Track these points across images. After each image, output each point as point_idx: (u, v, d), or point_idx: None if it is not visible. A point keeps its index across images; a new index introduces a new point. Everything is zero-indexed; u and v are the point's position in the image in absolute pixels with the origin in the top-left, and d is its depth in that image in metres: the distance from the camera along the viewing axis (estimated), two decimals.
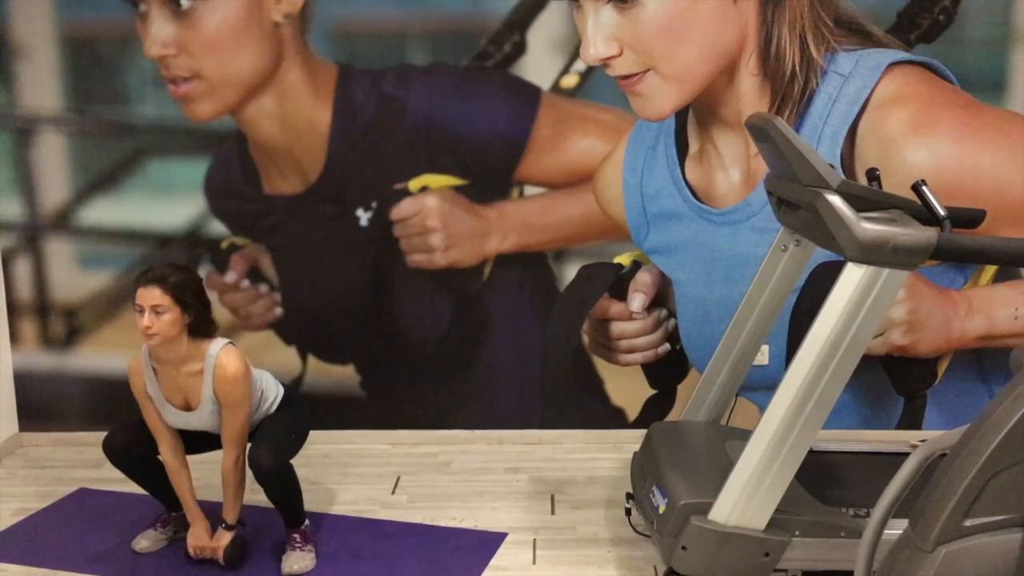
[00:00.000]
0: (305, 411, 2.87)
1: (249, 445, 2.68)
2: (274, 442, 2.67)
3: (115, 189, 3.60)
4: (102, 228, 3.62)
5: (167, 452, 2.72)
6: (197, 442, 2.79)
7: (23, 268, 3.66)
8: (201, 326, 2.58)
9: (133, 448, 2.75)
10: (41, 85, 3.53)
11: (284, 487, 2.70)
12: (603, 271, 3.55)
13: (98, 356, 3.68)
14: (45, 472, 3.48)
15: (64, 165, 3.60)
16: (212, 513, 3.05)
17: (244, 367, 2.60)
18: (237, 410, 2.61)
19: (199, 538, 2.73)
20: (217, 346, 2.60)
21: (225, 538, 2.71)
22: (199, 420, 2.66)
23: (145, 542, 2.86)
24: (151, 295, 2.49)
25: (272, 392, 2.78)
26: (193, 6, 3.35)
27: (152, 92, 3.53)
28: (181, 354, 2.57)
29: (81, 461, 3.56)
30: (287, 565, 2.72)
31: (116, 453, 2.75)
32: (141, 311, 2.50)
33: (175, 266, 2.57)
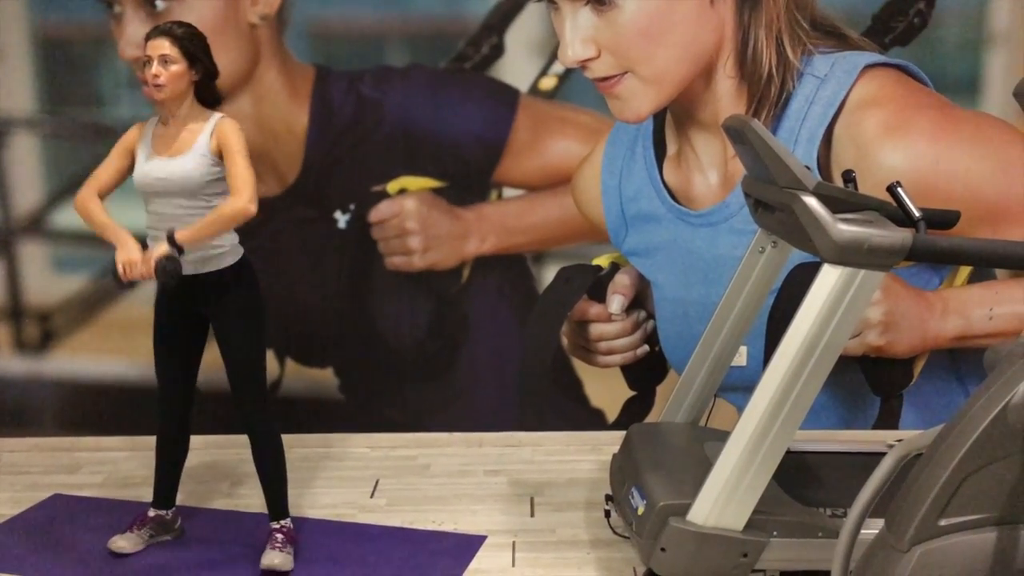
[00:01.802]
0: (257, 289, 2.73)
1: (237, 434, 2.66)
2: (255, 391, 2.70)
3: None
4: (77, 231, 3.58)
5: (89, 192, 2.63)
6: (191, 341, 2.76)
7: None
8: (207, 88, 2.62)
9: (174, 420, 2.78)
10: (15, 87, 3.50)
11: (270, 439, 2.74)
12: (582, 273, 3.55)
13: (73, 361, 3.65)
14: (19, 478, 3.45)
15: (38, 167, 3.57)
16: (191, 519, 3.03)
17: (240, 127, 2.60)
18: (239, 155, 2.55)
19: (129, 252, 2.54)
20: (219, 114, 2.62)
21: (160, 249, 2.51)
22: (181, 165, 2.57)
23: (122, 542, 2.83)
24: (160, 45, 2.52)
25: (229, 237, 2.69)
26: (168, 7, 3.32)
27: (127, 94, 3.50)
28: (185, 114, 2.59)
29: (56, 466, 3.52)
30: (266, 560, 2.71)
31: (163, 424, 2.79)
32: (149, 62, 2.52)
33: (184, 23, 2.60)
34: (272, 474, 2.78)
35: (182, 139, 2.59)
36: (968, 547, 1.61)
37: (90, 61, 3.49)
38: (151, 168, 2.60)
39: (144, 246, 2.63)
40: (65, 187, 3.57)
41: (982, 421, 1.58)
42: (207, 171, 2.58)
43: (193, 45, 2.56)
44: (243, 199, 2.54)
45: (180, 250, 2.52)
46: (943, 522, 1.61)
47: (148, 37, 2.56)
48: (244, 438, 2.76)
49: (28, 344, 3.66)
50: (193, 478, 3.33)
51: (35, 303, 3.64)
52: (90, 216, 2.64)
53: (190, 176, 2.57)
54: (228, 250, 2.67)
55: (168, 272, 2.49)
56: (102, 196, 2.67)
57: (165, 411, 2.81)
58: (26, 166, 3.56)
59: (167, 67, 2.52)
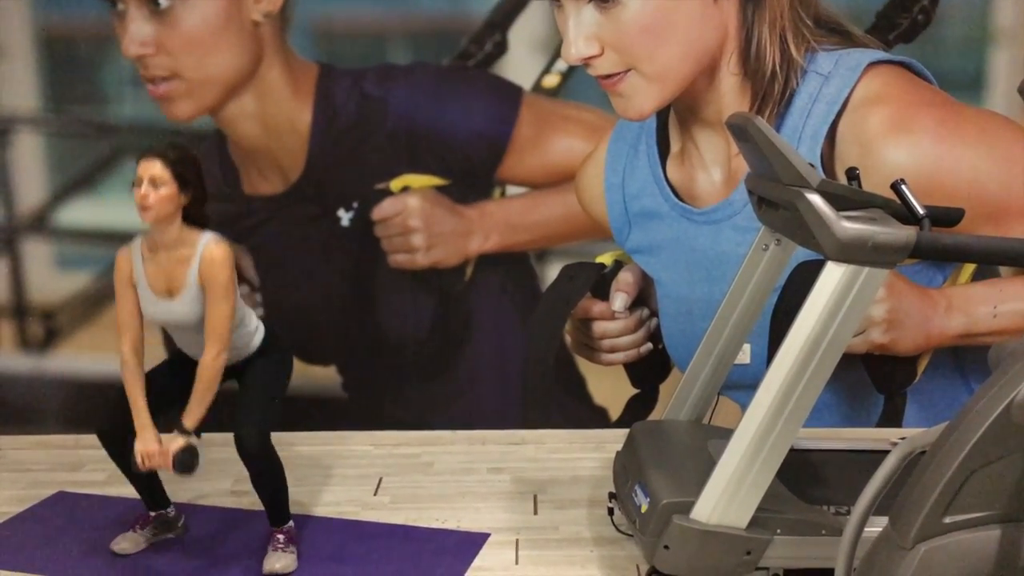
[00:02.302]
0: (287, 351, 2.83)
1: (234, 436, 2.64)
2: (258, 420, 2.66)
3: (93, 190, 3.58)
4: (80, 229, 3.59)
5: (128, 349, 2.65)
6: (182, 393, 2.74)
7: (0, 269, 3.63)
8: (195, 212, 2.60)
9: (121, 429, 2.70)
10: (18, 85, 3.50)
11: (269, 469, 2.69)
12: (585, 271, 3.55)
13: (76, 358, 3.65)
14: (23, 475, 3.45)
15: (42, 165, 3.57)
16: (194, 518, 3.03)
17: (231, 258, 2.59)
18: (221, 299, 2.57)
19: (148, 443, 2.59)
20: (208, 236, 2.61)
21: (177, 443, 2.57)
22: (180, 308, 2.61)
23: (125, 543, 2.83)
24: (151, 167, 2.51)
25: (252, 321, 2.76)
26: (172, 5, 3.32)
27: (130, 92, 3.50)
28: (173, 237, 2.57)
29: (59, 464, 3.53)
30: (268, 564, 2.70)
31: (106, 430, 2.72)
32: (139, 183, 2.51)
33: (178, 145, 2.59)
34: (271, 493, 2.75)
35: (174, 276, 2.60)
36: (972, 545, 1.60)
37: (93, 59, 3.49)
38: (155, 310, 2.64)
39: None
40: (69, 185, 3.58)
41: (986, 418, 1.58)
42: (203, 309, 2.61)
43: (185, 169, 2.53)
44: (211, 353, 2.59)
45: (195, 432, 2.61)
46: (947, 520, 1.61)
47: (141, 157, 2.54)
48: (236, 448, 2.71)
49: (32, 342, 3.67)
50: (196, 476, 3.32)
51: (39, 301, 3.65)
52: (128, 389, 2.66)
53: (191, 317, 2.62)
54: (254, 338, 2.75)
55: (185, 464, 2.58)
56: (138, 342, 2.66)
57: (117, 413, 2.71)
58: (30, 164, 3.57)
59: (157, 189, 2.49)
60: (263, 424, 2.68)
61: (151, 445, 2.60)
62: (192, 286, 2.59)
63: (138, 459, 2.61)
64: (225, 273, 2.57)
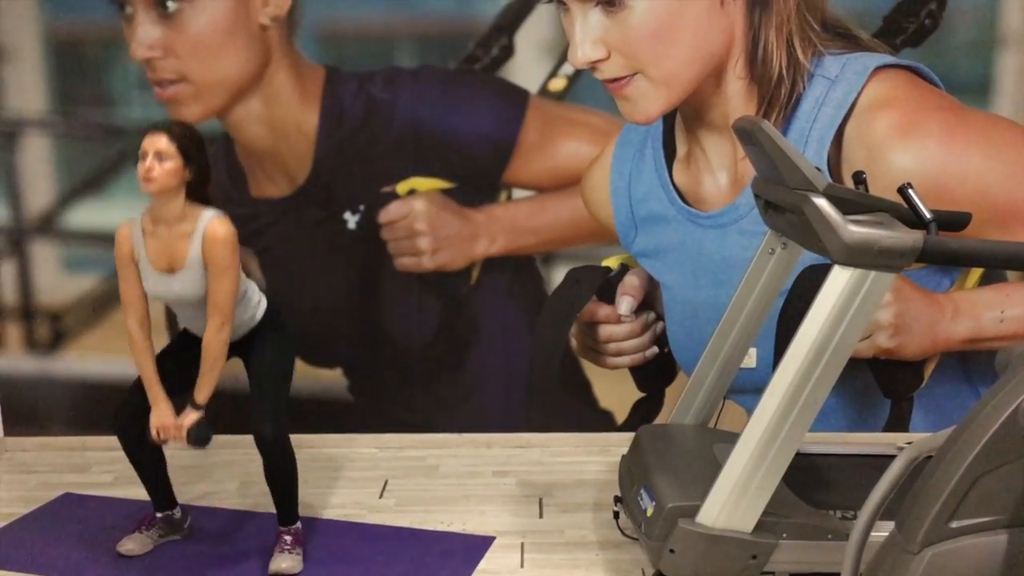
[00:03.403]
0: (289, 331, 2.84)
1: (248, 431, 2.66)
2: (272, 409, 2.68)
3: (101, 192, 3.58)
4: (88, 231, 3.60)
5: (135, 325, 2.67)
6: (183, 381, 2.77)
7: (8, 271, 3.64)
8: (199, 187, 2.62)
9: (134, 426, 2.72)
10: (26, 87, 3.51)
11: (283, 458, 2.71)
12: (591, 274, 3.55)
13: (83, 360, 3.66)
14: (30, 477, 3.46)
15: (49, 168, 3.58)
16: (200, 519, 3.04)
17: (234, 235, 2.61)
18: (223, 274, 2.59)
19: (163, 416, 2.64)
20: (211, 212, 2.62)
21: (191, 417, 2.63)
22: (181, 284, 2.62)
23: (131, 544, 2.84)
24: (157, 141, 2.53)
25: (255, 295, 2.78)
26: (180, 8, 3.34)
27: (138, 95, 3.51)
28: (175, 213, 2.59)
29: (66, 466, 3.54)
30: (275, 565, 2.71)
31: (121, 426, 2.73)
32: (144, 156, 2.53)
33: (183, 122, 2.62)
34: (283, 488, 2.76)
35: (176, 251, 2.61)
36: (979, 549, 1.60)
37: (101, 62, 3.50)
38: (155, 284, 2.65)
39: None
40: (77, 188, 3.59)
41: (993, 423, 1.58)
42: (205, 284, 2.62)
43: (190, 144, 2.57)
44: (213, 326, 2.62)
45: (207, 408, 2.65)
46: (954, 524, 1.60)
47: (146, 132, 2.56)
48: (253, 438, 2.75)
49: (39, 344, 3.68)
50: (203, 477, 3.34)
51: (46, 303, 3.66)
52: (138, 364, 2.70)
53: (190, 291, 2.63)
54: (257, 311, 2.77)
55: (200, 438, 2.63)
56: (144, 318, 2.69)
57: (132, 410, 2.73)
58: (38, 166, 3.57)
59: (161, 163, 2.52)
60: (279, 415, 2.70)
61: (166, 418, 2.64)
62: (194, 262, 2.59)
63: (153, 432, 2.65)
64: (227, 250, 2.59)
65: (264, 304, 2.81)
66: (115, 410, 2.76)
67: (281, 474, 2.73)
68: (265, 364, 2.76)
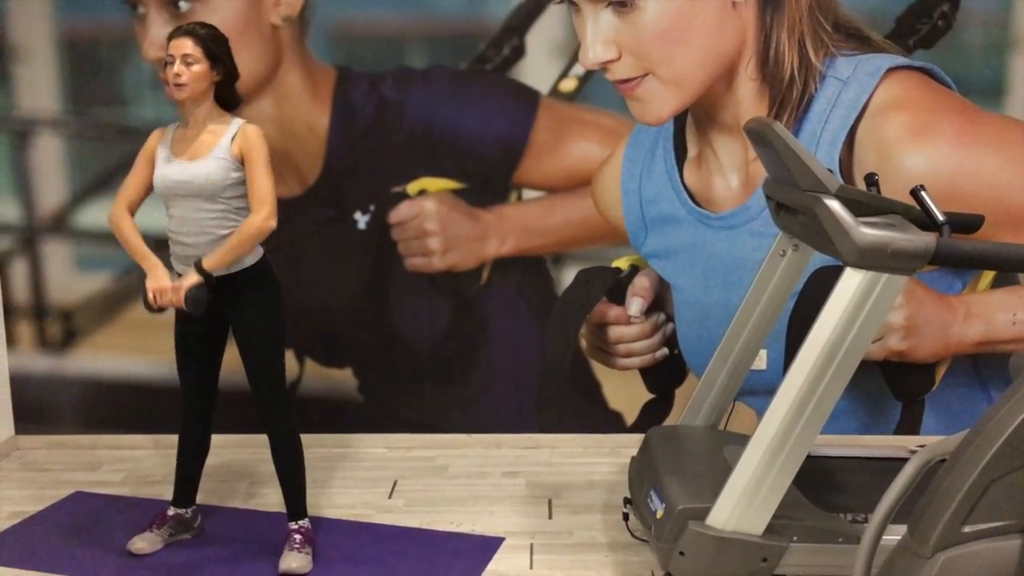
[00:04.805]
0: (275, 284, 2.75)
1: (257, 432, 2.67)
2: (274, 393, 2.70)
3: (112, 191, 3.58)
4: (99, 230, 3.60)
5: (123, 210, 2.67)
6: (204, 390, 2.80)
7: (20, 270, 3.65)
8: (228, 90, 2.63)
9: (199, 421, 2.80)
10: (39, 87, 3.53)
11: (290, 442, 2.74)
12: (601, 275, 3.55)
13: (95, 359, 3.67)
14: (41, 475, 3.47)
15: (62, 167, 3.60)
16: (210, 518, 3.04)
17: (265, 138, 2.61)
18: (263, 165, 2.58)
19: (159, 280, 2.60)
20: (243, 120, 2.63)
21: (192, 279, 2.57)
22: (202, 168, 2.58)
23: (141, 543, 2.85)
24: (182, 45, 2.53)
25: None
26: (192, 9, 3.34)
27: (150, 94, 3.52)
28: (204, 115, 2.60)
29: (77, 464, 3.55)
30: (284, 564, 2.72)
31: (188, 425, 2.80)
32: (171, 61, 2.53)
33: (206, 24, 2.61)
34: (290, 474, 2.79)
35: (202, 141, 2.60)
36: (992, 554, 1.59)
37: (114, 62, 3.51)
38: (171, 171, 2.62)
39: (167, 247, 2.65)
40: (89, 187, 3.60)
41: (1007, 427, 1.57)
42: (227, 175, 2.59)
43: (215, 46, 2.57)
44: (262, 214, 2.58)
45: (209, 277, 2.59)
46: (967, 528, 1.59)
47: (171, 37, 2.57)
48: (263, 437, 2.77)
49: (51, 342, 3.69)
50: (212, 477, 3.34)
51: (58, 301, 3.67)
52: (123, 238, 2.69)
53: (211, 179, 2.58)
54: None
55: (197, 302, 2.57)
56: (134, 208, 2.70)
57: (188, 411, 2.82)
58: (50, 166, 3.59)
59: (189, 67, 2.53)
60: (279, 391, 2.72)
61: (163, 282, 2.61)
62: (221, 152, 2.58)
63: (150, 296, 2.61)
64: (264, 146, 2.59)
65: (258, 249, 2.72)
66: (182, 410, 2.80)
67: (290, 457, 2.75)
68: (259, 350, 2.71)
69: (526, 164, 3.48)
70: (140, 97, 3.54)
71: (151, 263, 2.64)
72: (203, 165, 2.58)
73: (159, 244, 3.58)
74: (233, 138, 2.59)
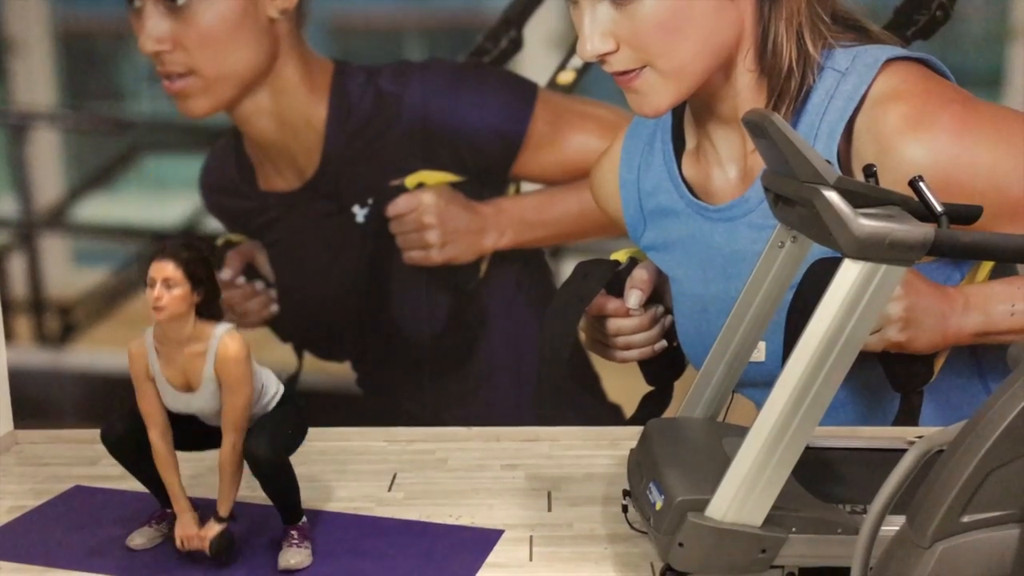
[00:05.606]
0: (304, 409, 2.86)
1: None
2: (270, 434, 2.66)
3: (110, 186, 3.59)
4: (97, 225, 3.61)
5: (157, 438, 2.69)
6: (196, 438, 2.78)
7: (18, 265, 3.65)
8: (209, 307, 2.61)
9: (130, 437, 2.74)
10: (36, 81, 3.52)
11: (279, 478, 2.70)
12: (600, 268, 3.55)
13: (93, 353, 3.67)
14: (40, 469, 3.47)
15: (59, 162, 3.59)
16: (207, 509, 3.04)
17: (246, 350, 2.61)
18: (237, 391, 2.60)
19: (186, 527, 2.70)
20: (222, 329, 2.62)
21: (214, 529, 2.68)
22: (200, 402, 2.65)
23: (140, 539, 2.85)
24: (164, 268, 2.52)
25: (272, 387, 2.78)
26: (189, 2, 3.33)
27: (147, 88, 3.52)
28: (186, 334, 2.58)
29: (76, 458, 3.55)
30: (283, 560, 2.72)
31: (113, 441, 2.74)
32: (152, 284, 2.52)
33: (190, 244, 2.60)
34: (281, 498, 2.76)
35: (189, 368, 2.62)
36: (991, 544, 1.59)
37: (110, 55, 3.51)
38: (173, 401, 2.68)
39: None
40: (86, 181, 3.59)
41: (1006, 417, 1.57)
42: (220, 400, 2.64)
43: (198, 269, 2.55)
44: (227, 444, 2.63)
45: (229, 519, 2.70)
46: (966, 519, 1.59)
47: (153, 258, 2.55)
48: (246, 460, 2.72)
49: (49, 337, 3.69)
50: (211, 471, 3.34)
51: (56, 296, 3.67)
52: (165, 478, 2.72)
53: (209, 405, 2.66)
54: (272, 401, 2.77)
55: (222, 549, 2.69)
56: (165, 428, 2.70)
57: (131, 417, 2.75)
58: (47, 160, 3.58)
59: (169, 290, 2.51)
60: (276, 436, 2.68)
61: (190, 529, 2.70)
62: (210, 380, 2.61)
63: (177, 542, 2.70)
64: (240, 367, 2.59)
65: (280, 391, 2.80)
66: (112, 423, 2.76)
67: (277, 486, 2.72)
68: (274, 415, 2.75)
69: (524, 157, 3.48)
70: (136, 90, 3.53)
71: (181, 507, 2.71)
72: (199, 398, 2.64)
73: (158, 237, 3.59)
74: (214, 360, 2.59)
